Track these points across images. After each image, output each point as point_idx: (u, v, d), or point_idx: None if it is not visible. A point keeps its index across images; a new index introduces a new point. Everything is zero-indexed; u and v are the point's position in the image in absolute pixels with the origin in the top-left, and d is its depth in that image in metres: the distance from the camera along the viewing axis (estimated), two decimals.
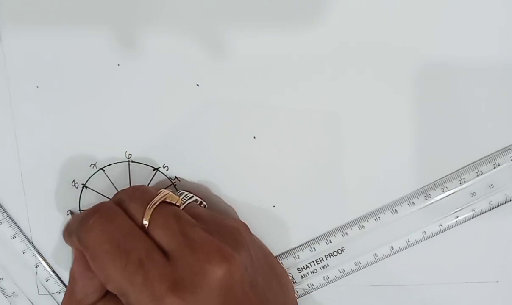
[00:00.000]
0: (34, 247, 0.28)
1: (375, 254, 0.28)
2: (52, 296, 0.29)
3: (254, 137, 0.26)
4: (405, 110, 0.26)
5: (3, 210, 0.27)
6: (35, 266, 0.28)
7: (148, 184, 0.27)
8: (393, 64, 0.25)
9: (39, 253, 0.28)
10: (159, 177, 0.27)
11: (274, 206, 0.28)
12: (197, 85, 0.25)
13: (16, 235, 0.28)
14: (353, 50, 0.24)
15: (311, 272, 0.28)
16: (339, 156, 0.27)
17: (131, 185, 0.27)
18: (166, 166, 0.27)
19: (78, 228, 0.21)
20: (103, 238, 0.20)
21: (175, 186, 0.27)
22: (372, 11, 0.24)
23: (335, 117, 0.26)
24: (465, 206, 0.27)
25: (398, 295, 0.30)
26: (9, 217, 0.28)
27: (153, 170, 0.27)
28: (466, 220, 0.28)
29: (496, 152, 0.27)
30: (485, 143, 0.27)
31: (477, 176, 0.27)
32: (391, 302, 0.30)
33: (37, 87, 0.25)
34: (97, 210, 0.21)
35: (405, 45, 0.24)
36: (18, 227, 0.28)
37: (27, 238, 0.28)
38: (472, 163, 0.27)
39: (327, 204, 0.28)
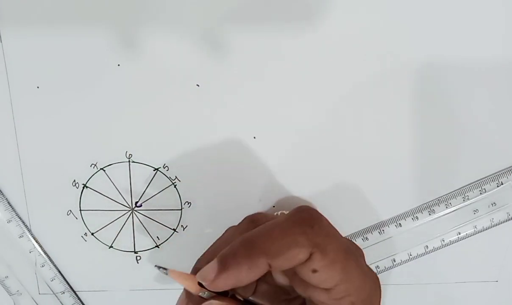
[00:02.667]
0: (40, 246, 0.28)
1: (377, 266, 0.28)
2: (56, 295, 0.29)
3: (254, 137, 0.26)
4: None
5: (12, 209, 0.27)
6: (41, 265, 0.29)
7: (148, 185, 0.27)
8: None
9: (45, 253, 0.29)
10: (159, 177, 0.27)
11: (274, 206, 0.28)
12: (197, 85, 0.25)
13: (23, 234, 0.28)
14: (353, 52, 0.24)
15: None
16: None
17: (131, 185, 0.27)
18: (166, 166, 0.27)
19: None
20: None
21: (175, 186, 0.27)
22: (372, 11, 0.24)
23: (337, 121, 0.26)
24: (467, 222, 0.28)
25: (398, 295, 0.30)
26: (17, 216, 0.28)
27: (153, 170, 0.27)
28: (468, 236, 0.28)
29: (499, 171, 0.27)
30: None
31: (481, 194, 0.27)
32: (392, 301, 0.30)
33: (38, 87, 0.25)
34: None
35: (407, 53, 0.24)
36: (26, 226, 0.28)
37: (33, 237, 0.28)
38: (476, 181, 0.27)
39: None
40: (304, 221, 0.20)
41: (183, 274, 0.21)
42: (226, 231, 0.25)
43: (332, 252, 0.20)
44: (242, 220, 0.24)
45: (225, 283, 0.20)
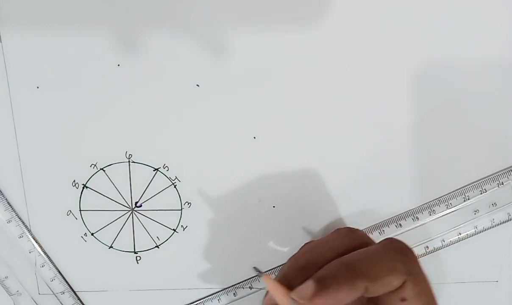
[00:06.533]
0: (40, 246, 0.28)
1: None
2: (56, 296, 0.29)
3: (254, 137, 0.26)
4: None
5: (12, 209, 0.27)
6: (41, 265, 0.29)
7: (148, 185, 0.27)
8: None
9: (45, 253, 0.29)
10: (159, 177, 0.27)
11: (274, 206, 0.28)
12: (197, 85, 0.25)
13: (23, 234, 0.28)
14: (353, 53, 0.24)
15: None
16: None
17: (131, 185, 0.27)
18: (166, 166, 0.27)
19: None
20: None
21: (175, 186, 0.27)
22: (372, 12, 0.24)
23: (336, 121, 0.26)
24: (467, 222, 0.28)
25: None
26: (17, 216, 0.28)
27: (153, 170, 0.27)
28: (468, 236, 0.28)
29: (500, 171, 0.27)
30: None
31: (481, 194, 0.27)
32: None
33: (38, 87, 0.25)
34: None
35: (407, 53, 0.24)
36: (26, 226, 0.28)
37: (33, 237, 0.28)
38: (476, 181, 0.27)
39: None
40: (400, 250, 0.21)
41: (276, 284, 0.21)
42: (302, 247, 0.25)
43: (422, 283, 0.21)
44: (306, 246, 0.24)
45: (325, 302, 0.19)
